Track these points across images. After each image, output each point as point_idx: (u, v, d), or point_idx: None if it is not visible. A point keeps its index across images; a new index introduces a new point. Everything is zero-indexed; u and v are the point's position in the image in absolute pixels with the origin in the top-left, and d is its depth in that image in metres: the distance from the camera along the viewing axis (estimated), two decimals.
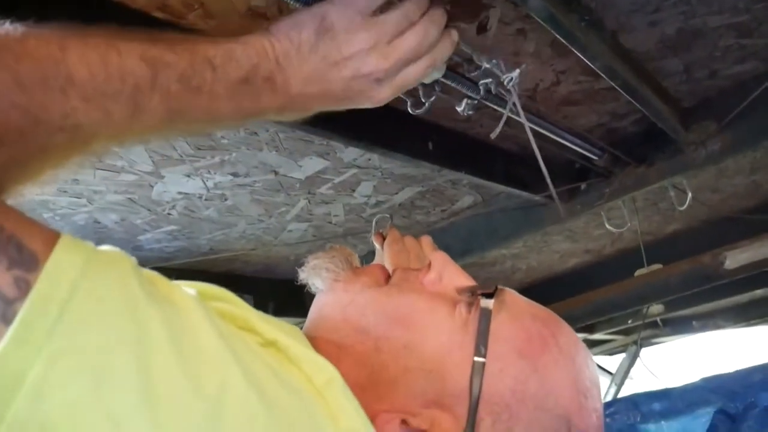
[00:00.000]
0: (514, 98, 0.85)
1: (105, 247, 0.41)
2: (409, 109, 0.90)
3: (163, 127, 0.51)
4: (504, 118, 0.89)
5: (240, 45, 0.56)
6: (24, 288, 0.33)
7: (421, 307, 0.60)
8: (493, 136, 0.91)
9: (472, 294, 0.61)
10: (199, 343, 0.40)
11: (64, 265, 0.36)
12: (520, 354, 0.56)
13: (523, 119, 0.89)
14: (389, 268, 0.74)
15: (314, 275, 0.67)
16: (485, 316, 0.57)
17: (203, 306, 0.42)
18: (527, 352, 0.57)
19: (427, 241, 0.83)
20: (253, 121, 0.61)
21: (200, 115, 0.53)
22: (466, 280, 0.64)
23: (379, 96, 0.65)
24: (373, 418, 0.50)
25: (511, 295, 0.62)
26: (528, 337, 0.58)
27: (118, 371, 0.35)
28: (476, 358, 0.55)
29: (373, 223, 0.89)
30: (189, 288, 0.46)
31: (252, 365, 0.42)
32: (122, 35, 0.48)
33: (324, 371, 0.48)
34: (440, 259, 0.66)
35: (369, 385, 0.53)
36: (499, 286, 0.61)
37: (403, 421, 0.53)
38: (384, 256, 0.80)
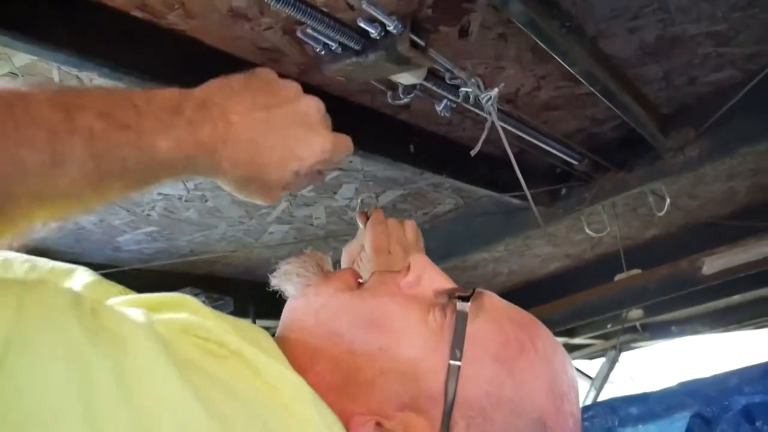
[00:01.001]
0: (494, 118, 0.86)
1: (36, 278, 0.38)
2: (389, 99, 0.90)
3: (96, 178, 0.45)
4: (483, 138, 0.90)
5: (157, 89, 0.52)
6: None
7: (396, 311, 0.60)
8: (473, 153, 0.91)
9: (450, 297, 0.60)
10: (149, 381, 0.38)
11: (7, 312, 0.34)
12: (496, 358, 0.56)
13: (503, 140, 0.90)
14: (368, 249, 0.76)
15: (285, 281, 0.66)
16: (461, 319, 0.57)
17: (153, 337, 0.40)
18: (504, 355, 0.56)
19: (411, 225, 0.83)
20: (207, 164, 0.54)
21: (134, 155, 0.47)
22: (445, 282, 0.63)
23: (320, 137, 0.61)
24: (347, 421, 0.51)
25: (490, 298, 0.62)
26: (505, 340, 0.57)
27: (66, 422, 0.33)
28: (451, 362, 0.54)
29: (359, 202, 0.88)
30: (140, 305, 0.44)
31: (205, 391, 0.41)
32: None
33: (291, 384, 0.47)
34: (419, 261, 0.65)
35: (343, 387, 0.53)
36: (478, 290, 0.61)
37: (378, 424, 0.52)
38: (365, 236, 0.80)
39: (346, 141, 0.67)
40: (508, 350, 0.57)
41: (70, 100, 0.44)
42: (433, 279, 0.63)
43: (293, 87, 0.63)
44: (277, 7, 0.69)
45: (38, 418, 0.32)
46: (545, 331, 0.62)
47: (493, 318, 0.59)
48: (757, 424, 1.07)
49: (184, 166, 0.52)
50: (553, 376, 0.58)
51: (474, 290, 0.60)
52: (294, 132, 0.59)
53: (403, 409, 0.53)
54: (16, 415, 0.32)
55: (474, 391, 0.53)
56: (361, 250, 0.84)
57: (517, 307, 0.64)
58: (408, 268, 0.65)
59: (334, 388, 0.51)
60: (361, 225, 0.83)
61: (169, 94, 0.52)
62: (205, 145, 0.53)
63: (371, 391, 0.54)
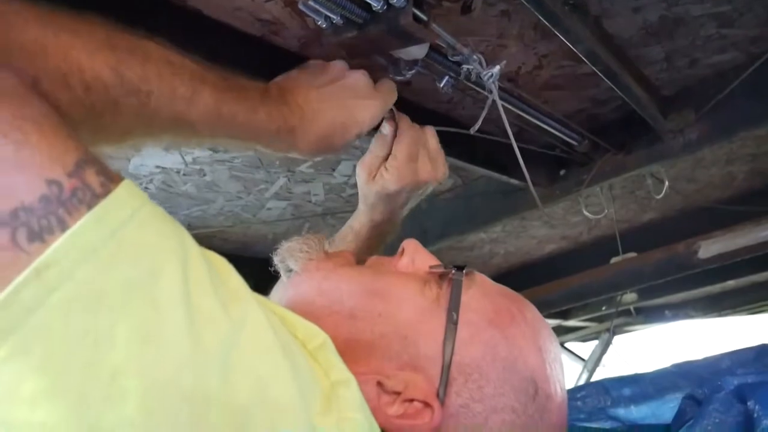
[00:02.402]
0: (495, 96, 0.86)
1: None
2: (390, 75, 0.90)
3: (213, 122, 0.59)
4: (483, 115, 0.90)
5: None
6: (107, 190, 0.39)
7: (395, 282, 0.65)
8: (472, 131, 0.92)
9: (444, 271, 0.66)
10: (229, 282, 0.45)
11: (135, 189, 0.42)
12: (489, 322, 0.61)
13: (503, 118, 0.90)
14: (402, 155, 0.86)
15: (289, 256, 0.71)
16: (457, 286, 0.62)
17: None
18: (496, 321, 0.61)
19: (433, 134, 0.94)
20: (287, 138, 0.69)
21: (242, 115, 0.62)
22: (437, 261, 0.70)
23: (374, 105, 0.78)
24: None
25: (480, 275, 0.68)
26: (497, 309, 0.63)
27: (168, 269, 0.40)
28: (448, 323, 0.59)
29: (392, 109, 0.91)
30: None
31: (269, 315, 0.46)
32: None
33: (317, 336, 0.52)
34: (412, 246, 0.72)
35: (345, 350, 0.55)
36: (468, 268, 0.66)
37: (379, 383, 0.56)
38: (400, 142, 0.86)
39: (388, 87, 0.83)
40: (500, 317, 0.62)
41: (201, 63, 0.59)
42: (425, 259, 0.70)
43: (338, 66, 0.79)
44: None
45: (153, 253, 0.40)
46: (532, 306, 0.68)
47: (485, 290, 0.66)
48: (748, 403, 1.08)
49: (274, 136, 0.66)
50: (541, 344, 0.63)
51: (465, 266, 0.66)
52: (349, 102, 0.73)
53: (403, 368, 0.57)
54: (139, 246, 0.40)
55: (470, 350, 0.58)
56: (382, 162, 0.87)
57: (504, 286, 0.70)
58: (401, 252, 0.72)
59: (338, 352, 0.53)
60: (389, 130, 0.87)
61: (257, 83, 0.68)
62: (288, 123, 0.67)
63: (372, 353, 0.58)
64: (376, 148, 0.89)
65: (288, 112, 0.68)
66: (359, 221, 0.95)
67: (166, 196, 1.43)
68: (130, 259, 0.38)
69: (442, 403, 0.56)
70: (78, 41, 0.47)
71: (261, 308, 0.46)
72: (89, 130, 0.49)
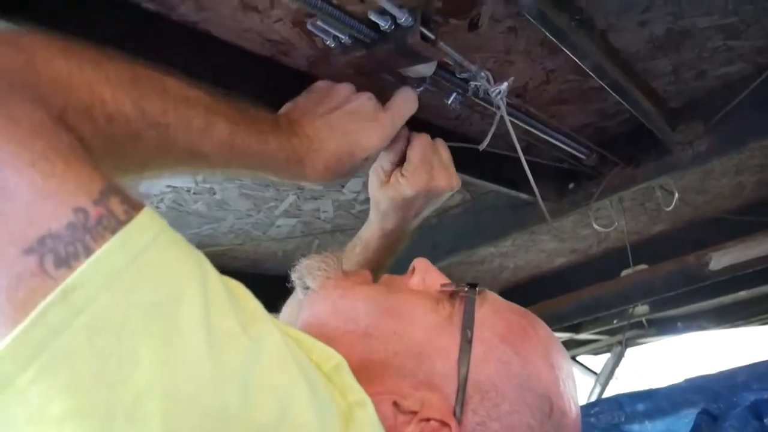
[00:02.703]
0: (503, 113, 0.87)
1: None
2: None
3: (227, 153, 0.61)
4: (491, 132, 0.91)
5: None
6: (130, 217, 0.40)
7: (409, 300, 0.66)
8: (481, 148, 0.92)
9: (456, 289, 0.67)
10: (247, 305, 0.46)
11: (156, 216, 0.43)
12: (502, 339, 0.61)
13: (512, 134, 0.91)
14: (417, 158, 0.88)
15: (307, 274, 0.72)
16: (470, 304, 0.63)
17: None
18: (509, 338, 0.62)
19: (444, 145, 0.95)
20: (296, 167, 0.70)
21: (254, 145, 0.64)
22: (447, 281, 0.70)
23: (382, 127, 0.78)
24: None
25: (491, 293, 0.69)
26: (509, 325, 0.63)
27: (188, 292, 0.40)
28: (463, 341, 0.59)
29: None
30: None
31: (284, 336, 0.47)
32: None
33: (332, 358, 0.52)
34: (423, 264, 0.73)
35: (360, 370, 0.55)
36: (480, 287, 0.67)
37: (395, 403, 0.56)
38: (414, 146, 0.89)
39: (405, 103, 0.84)
40: (512, 334, 0.63)
41: (215, 95, 0.61)
42: (436, 278, 0.71)
43: (344, 90, 0.80)
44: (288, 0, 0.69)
45: (173, 276, 0.41)
46: (543, 323, 0.69)
47: (496, 308, 0.66)
48: (765, 420, 1.07)
49: (281, 167, 0.67)
50: (554, 361, 0.63)
51: (476, 284, 0.67)
52: (353, 127, 0.74)
53: (419, 387, 0.57)
54: (159, 265, 0.41)
55: (485, 367, 0.58)
56: (395, 168, 0.89)
57: (515, 304, 0.71)
58: (413, 270, 0.73)
59: (353, 372, 0.53)
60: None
61: (267, 113, 0.70)
62: (297, 154, 0.69)
63: (387, 372, 0.58)
64: (388, 154, 0.90)
65: (297, 143, 0.70)
66: (370, 231, 0.96)
67: (176, 214, 1.44)
68: (152, 282, 0.39)
69: (459, 421, 0.56)
70: (101, 75, 0.48)
71: (278, 330, 0.47)
72: (110, 162, 0.50)
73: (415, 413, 0.56)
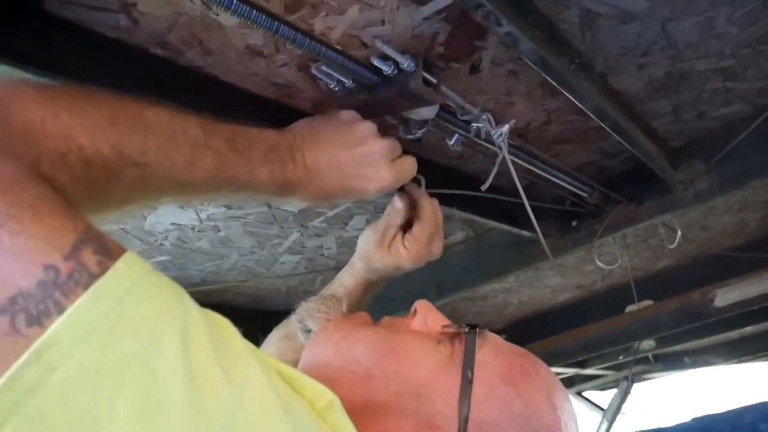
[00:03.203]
0: (505, 154, 0.88)
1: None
2: (401, 134, 0.92)
3: (213, 184, 0.62)
4: (493, 173, 0.92)
5: (267, 129, 0.71)
6: (105, 268, 0.39)
7: (410, 341, 0.66)
8: (483, 188, 0.93)
9: (457, 330, 0.67)
10: (231, 345, 0.45)
11: (135, 261, 0.42)
12: (504, 379, 0.61)
13: (514, 175, 0.91)
14: (430, 223, 0.88)
15: (307, 316, 0.73)
16: (471, 344, 0.63)
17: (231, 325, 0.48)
18: (511, 378, 0.62)
19: (438, 207, 0.94)
20: (285, 194, 0.72)
21: (242, 176, 0.64)
22: (448, 322, 0.71)
23: (381, 173, 0.78)
24: None
25: (492, 334, 0.69)
26: (510, 366, 0.64)
27: (167, 339, 0.39)
28: (464, 381, 0.59)
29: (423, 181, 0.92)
30: None
31: (270, 376, 0.46)
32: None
33: (324, 396, 0.51)
34: (424, 306, 0.74)
35: (362, 410, 0.55)
36: (480, 328, 0.67)
37: None
38: (428, 210, 0.89)
39: (408, 166, 0.84)
40: (514, 374, 0.63)
41: (209, 124, 0.61)
42: (437, 320, 0.71)
43: (365, 129, 0.79)
44: (293, 46, 0.71)
45: (151, 325, 0.40)
46: (544, 364, 0.69)
47: (497, 348, 0.66)
48: None
49: (273, 192, 0.69)
50: (556, 402, 0.63)
51: (478, 325, 0.67)
52: (355, 172, 0.75)
53: (420, 428, 0.57)
54: (137, 319, 0.40)
55: (486, 407, 0.58)
56: (397, 232, 0.91)
57: (515, 345, 0.71)
58: (414, 312, 0.74)
59: (353, 411, 0.52)
60: (400, 206, 0.89)
61: (271, 135, 0.71)
62: (289, 183, 0.70)
63: (388, 412, 0.58)
64: (391, 218, 0.91)
65: (292, 170, 0.71)
66: (354, 280, 0.96)
67: (181, 252, 1.44)
68: (128, 333, 0.38)
69: None
70: (77, 121, 0.48)
71: (263, 370, 0.45)
72: (90, 201, 0.50)
73: None
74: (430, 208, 0.89)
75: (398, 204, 0.89)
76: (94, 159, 0.48)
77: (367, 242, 0.92)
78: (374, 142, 0.79)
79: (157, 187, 0.57)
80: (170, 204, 0.62)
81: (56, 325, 0.36)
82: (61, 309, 0.37)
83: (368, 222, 1.44)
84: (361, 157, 0.76)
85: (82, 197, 0.49)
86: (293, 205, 0.74)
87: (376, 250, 0.90)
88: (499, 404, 0.59)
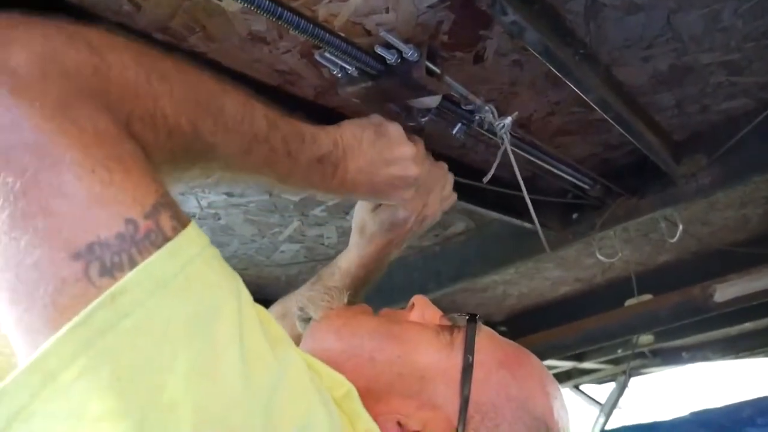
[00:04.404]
0: (507, 146, 0.88)
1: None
2: (404, 122, 0.91)
3: (255, 172, 0.62)
4: (495, 165, 0.91)
5: (323, 132, 0.71)
6: (177, 233, 0.41)
7: (411, 328, 0.69)
8: (485, 180, 0.93)
9: (458, 318, 0.70)
10: (270, 327, 0.46)
11: (200, 231, 0.44)
12: (501, 364, 0.65)
13: (515, 167, 0.91)
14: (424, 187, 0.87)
15: (310, 304, 0.74)
16: (471, 332, 0.66)
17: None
18: (506, 364, 0.65)
19: (452, 177, 0.97)
20: (307, 193, 0.75)
21: (283, 173, 0.65)
22: (445, 316, 0.73)
23: (406, 196, 0.81)
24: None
25: (486, 327, 0.71)
26: (505, 353, 0.67)
27: (227, 308, 0.41)
28: (464, 365, 0.62)
29: None
30: None
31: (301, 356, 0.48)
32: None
33: (343, 385, 0.54)
34: (422, 301, 0.75)
35: (365, 392, 0.57)
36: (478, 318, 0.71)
37: (399, 423, 0.58)
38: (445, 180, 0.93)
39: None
40: (510, 360, 0.66)
41: (274, 117, 0.63)
42: (434, 313, 0.74)
43: (409, 150, 0.80)
44: (296, 32, 0.70)
45: (214, 289, 0.42)
46: (535, 356, 0.71)
47: (492, 337, 0.70)
48: None
49: (301, 192, 0.74)
50: (549, 390, 0.66)
51: (477, 314, 0.70)
52: (387, 190, 0.78)
53: (422, 408, 0.60)
54: (205, 279, 0.42)
55: (485, 389, 0.61)
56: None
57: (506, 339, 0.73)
58: (412, 306, 0.75)
59: (358, 393, 0.55)
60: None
61: (324, 142, 0.70)
62: (322, 188, 0.72)
63: (391, 393, 0.61)
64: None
65: (330, 180, 0.73)
66: (347, 260, 0.96)
67: None
68: (197, 293, 0.40)
69: None
70: (167, 88, 0.49)
71: (298, 354, 0.48)
72: (164, 171, 0.51)
73: None
74: (439, 166, 0.91)
75: None
76: (174, 129, 0.49)
77: (361, 210, 0.92)
78: (413, 167, 0.80)
79: (211, 164, 0.57)
80: (210, 182, 0.62)
81: (132, 273, 0.37)
82: (134, 264, 0.38)
83: None
84: (397, 178, 0.79)
85: (161, 163, 0.49)
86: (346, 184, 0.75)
87: (369, 214, 0.90)
88: (497, 387, 0.62)
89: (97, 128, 0.40)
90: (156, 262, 0.38)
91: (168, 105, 0.48)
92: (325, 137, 0.70)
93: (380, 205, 0.90)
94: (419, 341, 0.66)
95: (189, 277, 0.40)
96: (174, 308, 0.38)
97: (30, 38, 0.40)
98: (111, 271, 0.37)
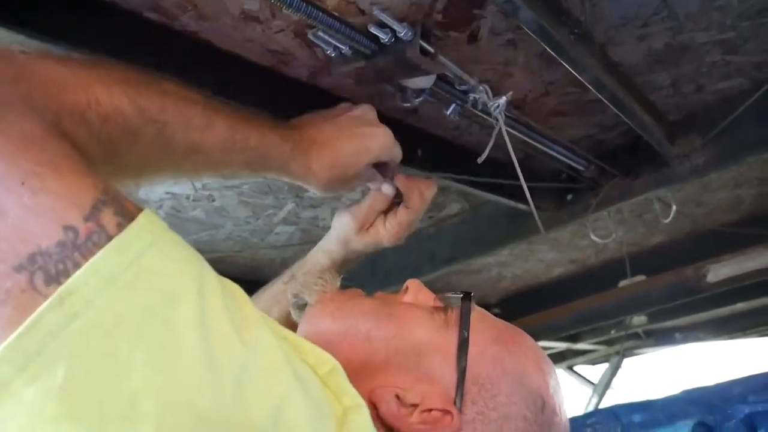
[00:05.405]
0: (501, 126, 0.87)
1: None
2: (398, 100, 0.91)
3: (227, 148, 0.62)
4: (489, 146, 0.91)
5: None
6: (122, 230, 0.40)
7: (406, 308, 0.69)
8: (479, 161, 0.93)
9: (452, 296, 0.72)
10: (243, 308, 0.46)
11: (154, 219, 0.43)
12: (495, 340, 0.66)
13: (509, 147, 0.91)
14: (407, 222, 0.89)
15: (304, 289, 0.74)
16: (465, 309, 0.67)
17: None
18: (501, 340, 0.66)
19: (435, 188, 0.95)
20: (298, 166, 0.72)
21: (254, 140, 0.65)
22: (439, 297, 0.75)
23: (379, 130, 0.80)
24: (369, 395, 0.57)
25: (479, 307, 0.72)
26: (499, 329, 0.68)
27: (185, 295, 0.41)
28: (460, 339, 0.63)
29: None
30: None
31: (279, 341, 0.47)
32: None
33: (327, 362, 0.53)
34: (415, 284, 0.76)
35: (362, 369, 0.59)
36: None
37: (397, 396, 0.59)
38: (409, 210, 0.90)
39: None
40: (503, 336, 0.67)
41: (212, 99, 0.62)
42: (427, 296, 0.75)
43: (345, 104, 0.82)
44: (289, 11, 0.69)
45: (168, 280, 0.41)
46: (528, 335, 0.72)
47: (485, 316, 0.71)
48: None
49: (284, 159, 0.69)
50: (544, 367, 0.67)
51: (470, 293, 0.71)
52: (359, 131, 0.76)
53: (420, 382, 0.61)
54: (156, 273, 0.41)
55: (481, 363, 0.62)
56: (377, 216, 0.91)
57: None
58: (405, 289, 0.76)
59: (354, 371, 0.55)
60: (390, 191, 0.89)
61: (283, 131, 0.71)
62: (300, 147, 0.71)
63: (388, 368, 0.62)
64: (375, 203, 0.91)
65: (299, 138, 0.72)
66: (329, 258, 0.95)
67: (175, 221, 1.44)
68: (148, 285, 0.40)
69: (459, 411, 0.59)
70: (95, 76, 0.49)
71: (273, 334, 0.47)
72: (108, 162, 0.51)
73: (416, 406, 0.59)
74: (419, 196, 0.90)
75: (388, 190, 0.89)
76: (112, 113, 0.49)
77: (346, 227, 0.92)
78: (360, 106, 0.82)
79: (174, 150, 0.57)
80: (186, 175, 0.64)
81: (79, 273, 0.37)
82: (78, 268, 0.37)
83: (363, 193, 1.44)
84: (356, 117, 0.79)
85: (101, 157, 0.49)
86: (312, 179, 0.74)
87: (356, 234, 0.90)
88: (493, 361, 0.63)
89: (23, 134, 0.40)
90: (102, 261, 0.38)
91: (101, 90, 0.48)
92: (282, 128, 0.72)
93: (368, 229, 0.91)
94: (414, 320, 0.66)
95: (141, 269, 0.39)
96: (126, 302, 0.38)
97: None
98: (57, 278, 0.37)
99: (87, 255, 0.38)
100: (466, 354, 0.62)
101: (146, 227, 0.42)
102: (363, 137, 0.77)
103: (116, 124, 0.49)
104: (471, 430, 0.59)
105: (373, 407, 0.57)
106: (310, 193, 1.40)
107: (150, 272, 0.40)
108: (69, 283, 0.37)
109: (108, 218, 0.40)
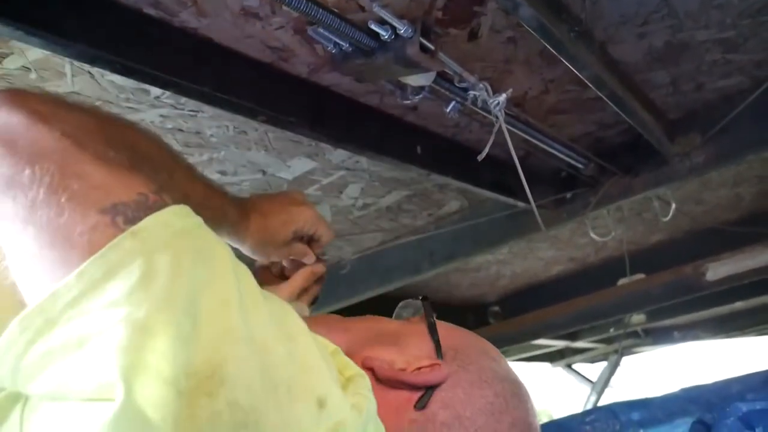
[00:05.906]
0: (501, 124, 0.87)
1: None
2: (398, 98, 0.91)
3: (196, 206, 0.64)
4: (489, 143, 0.91)
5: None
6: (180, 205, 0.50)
7: (377, 318, 0.79)
8: (479, 158, 0.92)
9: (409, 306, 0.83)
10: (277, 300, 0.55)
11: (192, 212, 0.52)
12: (455, 328, 0.75)
13: (510, 145, 0.91)
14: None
15: None
16: (427, 306, 0.77)
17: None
18: (460, 331, 0.76)
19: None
20: (236, 235, 0.81)
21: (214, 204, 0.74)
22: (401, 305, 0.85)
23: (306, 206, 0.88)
24: (362, 363, 0.64)
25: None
26: (455, 328, 0.77)
27: (221, 273, 0.48)
28: (428, 323, 0.73)
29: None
30: None
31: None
32: None
33: (330, 345, 0.60)
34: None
35: (347, 352, 0.64)
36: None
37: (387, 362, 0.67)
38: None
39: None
40: (460, 331, 0.77)
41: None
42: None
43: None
44: (288, 8, 0.69)
45: (208, 259, 0.48)
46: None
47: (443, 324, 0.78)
48: (756, 430, 1.08)
49: (231, 225, 0.79)
50: (494, 356, 0.74)
51: (427, 296, 0.81)
52: (289, 207, 0.86)
53: (402, 353, 0.69)
54: (200, 250, 0.48)
55: (450, 338, 0.72)
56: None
57: None
58: None
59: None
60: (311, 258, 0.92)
61: (238, 201, 0.80)
62: (243, 217, 0.80)
63: (373, 345, 0.70)
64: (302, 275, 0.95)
65: (248, 205, 0.82)
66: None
67: None
68: (207, 241, 0.50)
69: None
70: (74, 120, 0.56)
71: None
72: None
73: (404, 370, 0.66)
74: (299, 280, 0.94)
75: (310, 260, 0.93)
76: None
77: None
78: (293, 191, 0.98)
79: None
80: None
81: (149, 218, 0.47)
82: (148, 218, 0.47)
83: (362, 190, 1.44)
84: (289, 197, 0.88)
85: None
86: (246, 242, 0.83)
87: (285, 291, 0.95)
88: (459, 338, 0.73)
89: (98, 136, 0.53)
90: (165, 215, 0.47)
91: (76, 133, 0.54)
92: (233, 204, 0.79)
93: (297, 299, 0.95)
94: (383, 318, 0.78)
95: (194, 226, 0.49)
96: (183, 243, 0.47)
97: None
98: (133, 220, 0.46)
99: (155, 212, 0.47)
100: (437, 332, 0.71)
101: (193, 213, 0.51)
102: (290, 212, 0.86)
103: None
104: (456, 378, 0.67)
105: (370, 371, 0.64)
106: (309, 191, 1.40)
107: (201, 230, 0.50)
108: (141, 224, 0.46)
109: (167, 198, 0.50)
